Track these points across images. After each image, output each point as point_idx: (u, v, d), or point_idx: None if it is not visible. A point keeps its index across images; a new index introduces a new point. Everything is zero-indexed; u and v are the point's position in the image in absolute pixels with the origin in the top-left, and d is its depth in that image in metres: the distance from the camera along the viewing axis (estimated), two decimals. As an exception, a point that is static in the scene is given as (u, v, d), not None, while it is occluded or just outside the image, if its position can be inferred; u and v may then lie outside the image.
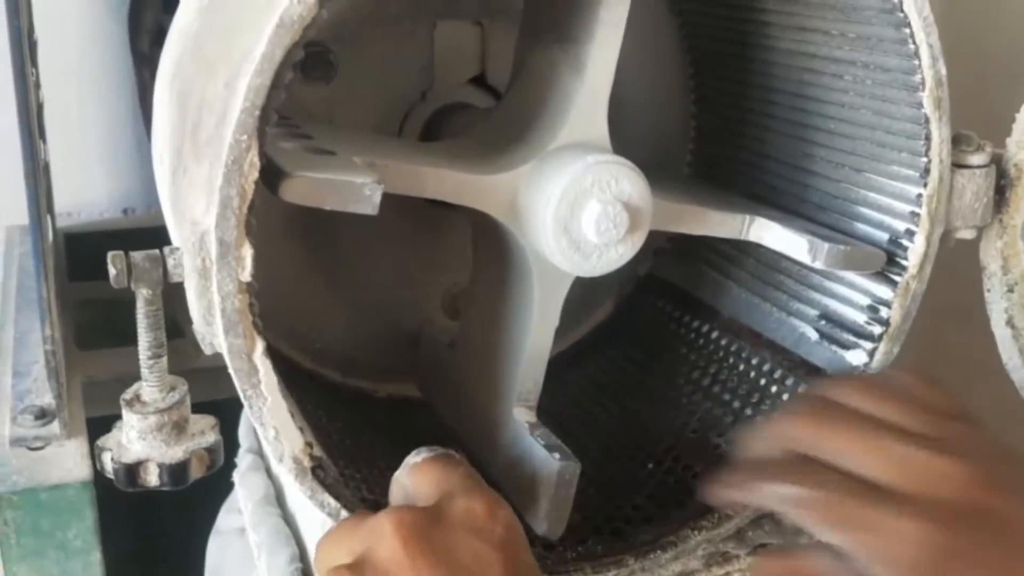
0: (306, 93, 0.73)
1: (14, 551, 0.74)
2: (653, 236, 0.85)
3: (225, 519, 0.75)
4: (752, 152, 0.78)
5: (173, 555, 0.79)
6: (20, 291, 1.03)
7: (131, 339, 0.57)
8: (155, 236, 0.59)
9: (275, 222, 0.75)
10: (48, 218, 0.93)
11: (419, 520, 0.51)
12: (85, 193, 1.31)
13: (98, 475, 0.77)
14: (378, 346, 0.81)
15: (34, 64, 0.91)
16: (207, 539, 0.78)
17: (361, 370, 0.81)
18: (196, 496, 0.77)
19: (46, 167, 0.97)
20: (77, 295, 1.07)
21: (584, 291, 0.85)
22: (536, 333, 0.65)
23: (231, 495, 0.76)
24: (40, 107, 0.96)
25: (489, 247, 0.68)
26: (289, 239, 0.76)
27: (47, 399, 0.80)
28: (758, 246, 0.73)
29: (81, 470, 0.75)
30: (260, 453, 0.72)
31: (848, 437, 0.55)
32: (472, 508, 0.52)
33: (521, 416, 0.66)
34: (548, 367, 0.67)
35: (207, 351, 0.60)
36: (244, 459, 0.71)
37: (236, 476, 0.72)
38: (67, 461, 0.76)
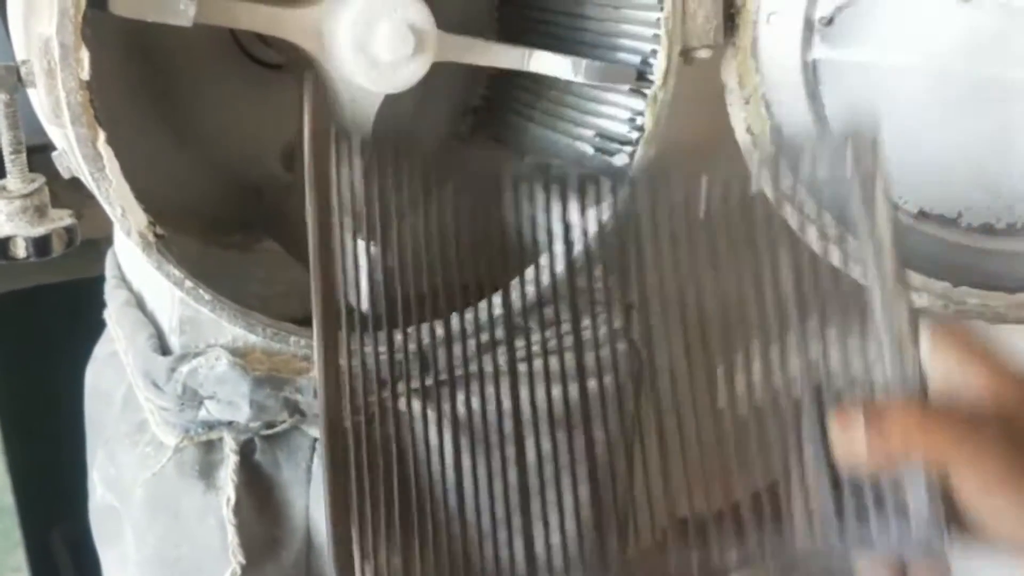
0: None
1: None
2: (469, 95, 0.99)
3: (100, 348, 0.86)
4: (540, 9, 0.92)
5: (61, 386, 0.90)
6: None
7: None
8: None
9: (123, 85, 0.86)
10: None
11: None
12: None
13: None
14: (226, 200, 0.93)
15: None
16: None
17: (211, 223, 0.92)
18: (78, 337, 0.88)
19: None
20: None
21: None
22: (354, 153, 0.78)
23: (104, 332, 0.87)
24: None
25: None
26: (138, 99, 0.87)
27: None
28: (550, 88, 0.88)
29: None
30: (121, 276, 0.82)
31: None
32: None
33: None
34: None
35: (65, 175, 0.72)
36: (109, 282, 0.82)
37: (105, 296, 0.83)
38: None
